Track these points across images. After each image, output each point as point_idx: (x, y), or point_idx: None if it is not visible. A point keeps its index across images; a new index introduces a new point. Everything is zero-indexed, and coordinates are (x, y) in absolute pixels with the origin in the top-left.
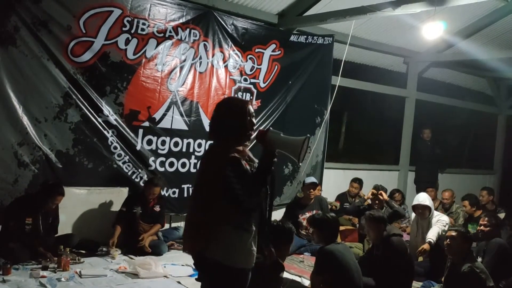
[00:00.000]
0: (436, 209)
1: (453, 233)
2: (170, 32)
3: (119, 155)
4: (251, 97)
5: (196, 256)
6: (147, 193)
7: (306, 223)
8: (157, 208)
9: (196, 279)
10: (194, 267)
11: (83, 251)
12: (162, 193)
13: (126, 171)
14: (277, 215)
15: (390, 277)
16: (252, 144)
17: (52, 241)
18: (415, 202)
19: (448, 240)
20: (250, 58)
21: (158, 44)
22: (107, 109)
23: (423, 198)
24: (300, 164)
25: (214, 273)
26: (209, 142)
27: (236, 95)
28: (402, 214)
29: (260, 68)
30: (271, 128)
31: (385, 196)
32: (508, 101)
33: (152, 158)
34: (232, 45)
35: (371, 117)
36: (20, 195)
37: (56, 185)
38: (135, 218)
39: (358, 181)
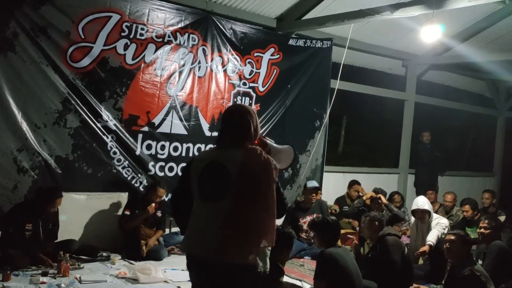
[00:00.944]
0: (436, 211)
1: (452, 237)
2: (168, 37)
3: (119, 160)
4: (250, 102)
5: (232, 262)
6: (153, 196)
7: (307, 226)
8: (159, 214)
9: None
10: (206, 271)
11: (83, 257)
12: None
13: (126, 176)
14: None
15: (389, 277)
16: None
17: (52, 247)
18: (414, 207)
19: (448, 243)
20: (249, 62)
21: (157, 49)
22: (106, 114)
23: (422, 202)
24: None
25: (250, 277)
26: (211, 145)
27: (235, 100)
28: (402, 218)
29: (259, 72)
30: (266, 137)
31: (384, 200)
32: (507, 103)
33: (152, 163)
34: (231, 50)
35: (371, 120)
36: (20, 201)
37: (53, 189)
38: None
39: (358, 183)
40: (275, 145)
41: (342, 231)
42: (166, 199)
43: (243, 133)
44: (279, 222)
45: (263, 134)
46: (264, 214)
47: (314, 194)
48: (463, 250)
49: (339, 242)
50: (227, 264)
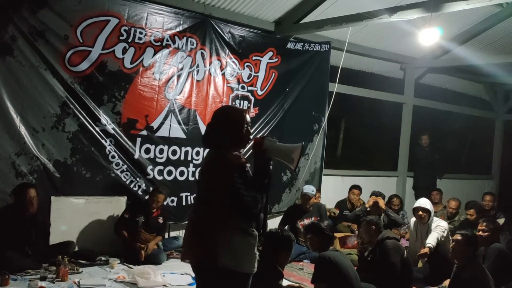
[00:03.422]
0: (436, 213)
1: (459, 237)
2: (167, 40)
3: (117, 164)
4: (249, 105)
5: (201, 264)
6: (151, 201)
7: (304, 230)
8: (161, 220)
9: None
10: (193, 275)
11: (82, 261)
12: None
13: (124, 180)
14: (277, 222)
15: (388, 281)
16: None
17: (45, 242)
18: (416, 205)
19: (453, 243)
20: (247, 66)
21: (155, 53)
22: (104, 118)
23: (424, 202)
24: (295, 170)
25: (223, 280)
26: (207, 149)
27: (233, 103)
28: (400, 223)
29: (257, 76)
30: (268, 136)
31: (383, 205)
32: (505, 106)
33: (150, 167)
34: (229, 53)
35: (369, 124)
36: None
37: (22, 183)
38: (137, 227)
39: (358, 188)
40: (279, 144)
41: (341, 235)
42: (165, 203)
43: (221, 136)
44: (276, 224)
45: (261, 136)
46: (210, 215)
47: (306, 200)
48: (468, 250)
49: (338, 246)
50: (191, 261)
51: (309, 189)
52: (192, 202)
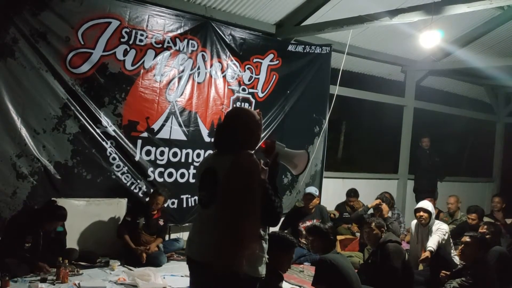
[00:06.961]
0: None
1: (468, 239)
2: (168, 42)
3: (118, 166)
4: (249, 107)
5: (226, 273)
6: (151, 202)
7: (306, 232)
8: (161, 222)
9: None
10: (199, 278)
11: (82, 263)
12: None
13: (125, 182)
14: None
15: (389, 284)
16: None
17: (56, 255)
18: (418, 206)
19: (463, 246)
20: (248, 68)
21: (156, 55)
22: (105, 120)
23: (427, 204)
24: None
25: (237, 285)
26: (211, 151)
27: (234, 105)
28: (398, 235)
29: (258, 78)
30: (276, 141)
31: (386, 213)
32: (506, 108)
33: (151, 169)
34: (230, 55)
35: (370, 126)
36: (19, 207)
37: (58, 210)
38: (137, 229)
39: (353, 193)
40: (286, 149)
41: (342, 237)
42: (165, 205)
43: (237, 139)
44: (275, 227)
45: (271, 140)
46: (244, 221)
47: (309, 200)
48: (479, 253)
49: (338, 248)
50: (214, 270)
51: (312, 189)
52: (193, 204)
